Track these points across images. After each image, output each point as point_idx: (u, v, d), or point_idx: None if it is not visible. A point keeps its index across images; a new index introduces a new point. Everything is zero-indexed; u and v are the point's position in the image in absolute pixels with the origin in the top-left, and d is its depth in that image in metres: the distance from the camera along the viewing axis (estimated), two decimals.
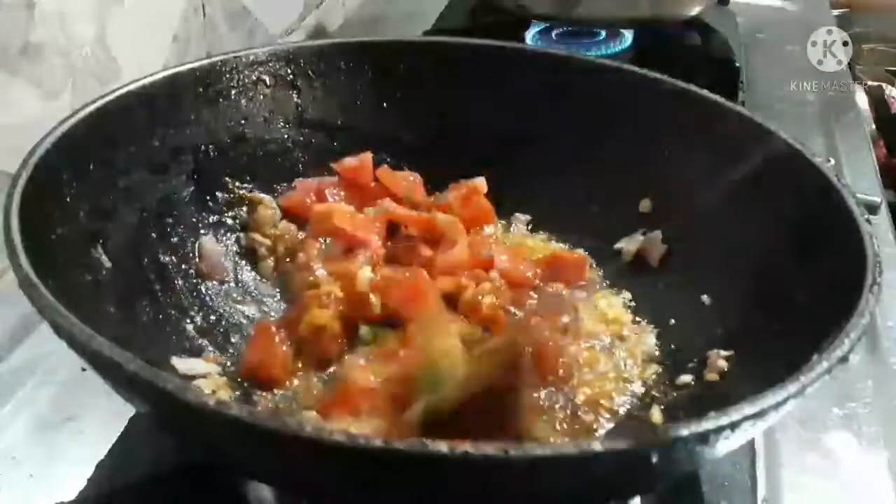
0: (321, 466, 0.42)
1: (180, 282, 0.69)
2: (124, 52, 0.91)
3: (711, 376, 0.62)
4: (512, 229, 0.80)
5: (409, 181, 0.79)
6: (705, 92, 0.74)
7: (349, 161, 0.78)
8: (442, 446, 0.38)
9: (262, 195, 0.77)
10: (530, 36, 1.23)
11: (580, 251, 0.77)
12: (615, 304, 0.72)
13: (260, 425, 0.39)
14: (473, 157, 0.81)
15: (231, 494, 0.56)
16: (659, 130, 0.76)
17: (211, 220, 0.74)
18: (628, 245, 0.76)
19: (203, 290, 0.70)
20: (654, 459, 0.40)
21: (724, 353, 0.63)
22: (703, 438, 0.41)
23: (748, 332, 0.62)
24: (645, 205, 0.76)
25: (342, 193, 0.78)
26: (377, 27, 1.46)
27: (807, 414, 0.68)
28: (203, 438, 0.47)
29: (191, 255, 0.71)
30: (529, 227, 0.80)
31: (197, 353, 0.64)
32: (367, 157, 0.78)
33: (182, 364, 0.62)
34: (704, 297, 0.68)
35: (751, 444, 0.63)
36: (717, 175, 0.71)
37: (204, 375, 0.62)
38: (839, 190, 0.60)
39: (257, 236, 0.75)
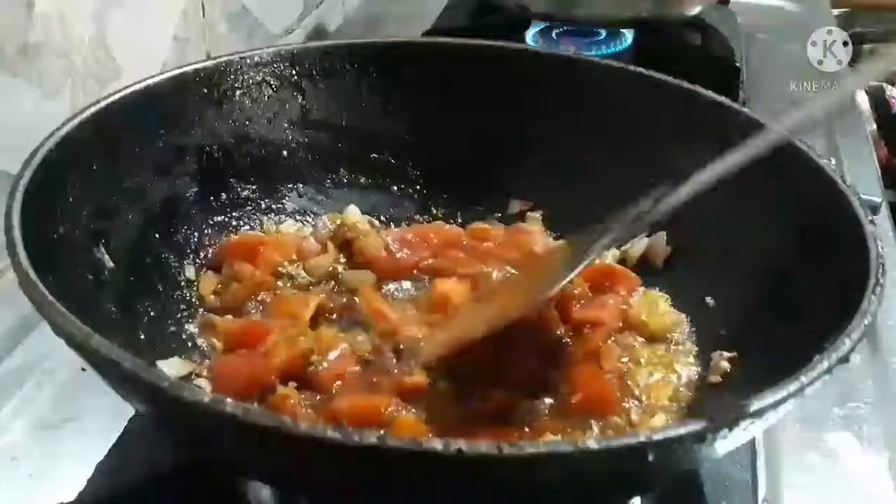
0: (315, 463, 0.42)
1: (184, 282, 0.69)
2: (124, 52, 0.91)
3: (714, 377, 0.63)
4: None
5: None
6: (709, 92, 0.73)
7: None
8: (436, 443, 0.38)
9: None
10: (530, 36, 1.23)
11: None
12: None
13: (254, 423, 0.39)
14: (477, 157, 0.81)
15: (231, 494, 0.56)
16: (662, 131, 0.75)
17: (215, 220, 0.74)
18: (633, 247, 0.76)
19: None
20: (651, 458, 0.40)
21: (727, 354, 0.63)
22: (700, 438, 0.41)
23: (751, 334, 0.62)
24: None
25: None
26: (377, 27, 1.46)
27: (807, 414, 0.68)
28: (199, 437, 0.47)
29: (194, 255, 0.71)
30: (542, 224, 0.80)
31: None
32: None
33: (184, 365, 0.62)
34: (708, 299, 0.68)
35: (751, 444, 0.63)
36: (721, 176, 0.70)
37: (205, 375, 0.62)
38: (843, 190, 0.60)
39: None
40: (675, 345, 0.67)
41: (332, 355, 0.62)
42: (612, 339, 0.67)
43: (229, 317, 0.67)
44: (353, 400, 0.58)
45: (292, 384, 0.59)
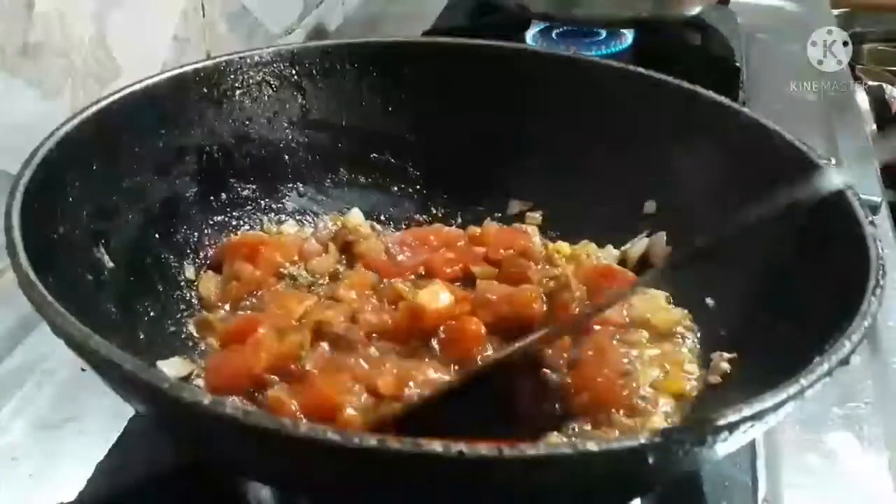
0: (316, 465, 0.42)
1: (183, 282, 0.69)
2: (124, 52, 0.91)
3: (714, 378, 0.62)
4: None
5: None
6: (709, 92, 0.73)
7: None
8: (437, 445, 0.37)
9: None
10: (530, 36, 1.23)
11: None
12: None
13: (255, 425, 0.39)
14: (477, 157, 0.81)
15: (231, 494, 0.56)
16: (662, 131, 0.75)
17: (215, 220, 0.74)
18: (633, 248, 0.76)
19: None
20: (651, 460, 0.40)
21: (726, 355, 0.63)
22: (700, 440, 0.41)
23: (751, 335, 0.62)
24: (649, 206, 0.76)
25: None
26: (377, 27, 1.46)
27: (807, 414, 0.68)
28: (199, 437, 0.47)
29: (194, 255, 0.71)
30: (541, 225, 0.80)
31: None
32: None
33: (184, 365, 0.62)
34: (708, 299, 0.68)
35: (751, 445, 0.63)
36: (721, 176, 0.70)
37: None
38: (844, 192, 0.59)
39: None
40: (675, 345, 0.67)
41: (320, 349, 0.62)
42: (617, 337, 0.66)
43: (224, 314, 0.67)
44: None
45: (283, 383, 0.59)
